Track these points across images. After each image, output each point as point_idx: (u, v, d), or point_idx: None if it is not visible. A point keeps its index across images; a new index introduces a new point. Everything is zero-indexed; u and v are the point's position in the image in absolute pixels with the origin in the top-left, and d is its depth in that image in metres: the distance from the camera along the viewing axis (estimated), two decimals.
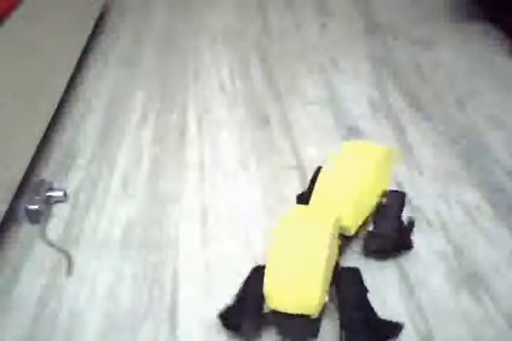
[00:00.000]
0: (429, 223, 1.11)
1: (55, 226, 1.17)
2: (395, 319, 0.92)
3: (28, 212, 1.16)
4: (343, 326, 0.86)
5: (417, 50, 1.74)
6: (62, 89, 1.48)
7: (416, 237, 1.07)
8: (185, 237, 1.13)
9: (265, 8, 2.12)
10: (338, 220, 0.89)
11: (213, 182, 1.27)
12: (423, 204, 1.15)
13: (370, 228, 1.01)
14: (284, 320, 0.85)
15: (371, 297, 0.96)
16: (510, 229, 1.08)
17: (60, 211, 1.21)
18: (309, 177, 1.20)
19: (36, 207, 1.16)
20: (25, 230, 1.16)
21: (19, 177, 1.17)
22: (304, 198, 1.02)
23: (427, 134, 1.36)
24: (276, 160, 1.32)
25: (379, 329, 0.87)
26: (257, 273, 0.91)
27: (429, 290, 0.97)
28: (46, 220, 1.18)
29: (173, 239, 1.12)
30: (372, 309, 0.89)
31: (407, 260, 1.03)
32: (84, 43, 1.72)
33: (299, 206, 0.97)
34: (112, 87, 1.68)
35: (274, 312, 0.85)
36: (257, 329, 0.90)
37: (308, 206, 0.96)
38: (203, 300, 0.99)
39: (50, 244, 1.11)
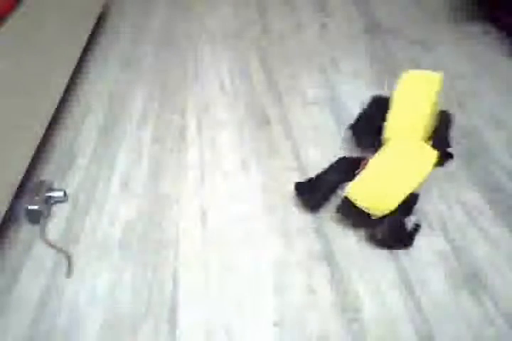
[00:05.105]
0: (429, 223, 1.11)
1: (55, 226, 1.17)
2: (394, 319, 0.92)
3: (28, 212, 1.16)
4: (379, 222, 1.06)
5: (417, 50, 1.74)
6: (62, 89, 1.48)
7: (416, 237, 1.08)
8: (185, 237, 1.13)
9: (265, 8, 2.12)
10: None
11: (213, 182, 1.27)
12: (423, 204, 1.15)
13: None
14: (350, 208, 1.06)
15: (371, 297, 0.97)
16: (510, 229, 1.08)
17: (60, 211, 1.21)
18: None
19: (36, 207, 1.16)
20: (25, 230, 1.16)
21: (19, 177, 1.17)
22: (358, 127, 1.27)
23: None
24: (276, 161, 1.32)
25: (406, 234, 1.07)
26: (342, 163, 1.18)
27: (429, 290, 0.97)
28: (46, 220, 1.18)
29: (173, 239, 1.12)
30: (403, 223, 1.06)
31: (407, 260, 1.04)
32: (84, 43, 1.72)
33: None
34: (112, 87, 1.68)
35: (346, 198, 1.07)
36: (322, 202, 1.14)
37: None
38: (203, 300, 0.99)
39: (50, 245, 1.11)
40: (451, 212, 1.13)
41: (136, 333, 0.94)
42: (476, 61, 1.66)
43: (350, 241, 1.08)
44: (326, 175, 1.17)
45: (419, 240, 1.07)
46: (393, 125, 1.16)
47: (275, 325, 0.93)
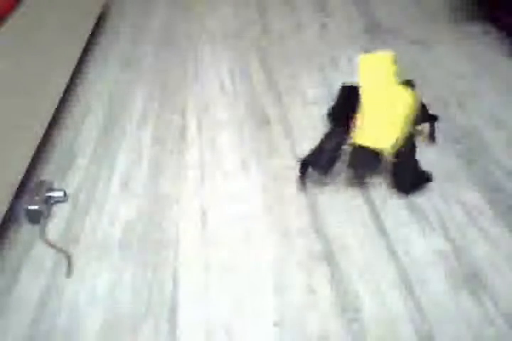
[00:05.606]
0: (429, 223, 1.11)
1: (55, 226, 1.17)
2: (394, 319, 0.92)
3: (28, 212, 1.16)
4: (396, 169, 1.19)
5: (416, 50, 1.74)
6: (62, 89, 1.48)
7: (416, 237, 1.08)
8: (185, 237, 1.13)
9: (265, 8, 2.12)
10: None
11: (213, 182, 1.27)
12: (423, 204, 1.15)
13: None
14: (359, 153, 1.15)
15: (371, 297, 0.97)
16: (510, 229, 1.08)
17: (60, 211, 1.21)
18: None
19: (36, 207, 1.16)
20: (25, 230, 1.16)
21: (19, 177, 1.17)
22: (336, 113, 1.37)
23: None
24: (276, 161, 1.32)
25: (418, 177, 1.19)
26: (338, 130, 1.25)
27: (429, 290, 0.97)
28: (46, 220, 1.18)
29: (173, 239, 1.12)
30: (418, 167, 1.19)
31: (407, 260, 1.03)
32: (84, 43, 1.72)
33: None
34: (112, 87, 1.68)
35: (355, 147, 1.16)
36: (331, 164, 1.19)
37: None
38: (203, 300, 0.99)
39: (50, 245, 1.11)
40: (451, 212, 1.13)
41: (136, 333, 0.94)
42: (476, 61, 1.66)
43: (350, 241, 1.08)
44: (324, 142, 1.23)
45: (419, 240, 1.07)
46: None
47: (275, 325, 0.93)
